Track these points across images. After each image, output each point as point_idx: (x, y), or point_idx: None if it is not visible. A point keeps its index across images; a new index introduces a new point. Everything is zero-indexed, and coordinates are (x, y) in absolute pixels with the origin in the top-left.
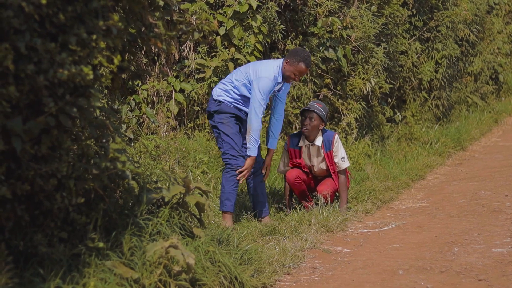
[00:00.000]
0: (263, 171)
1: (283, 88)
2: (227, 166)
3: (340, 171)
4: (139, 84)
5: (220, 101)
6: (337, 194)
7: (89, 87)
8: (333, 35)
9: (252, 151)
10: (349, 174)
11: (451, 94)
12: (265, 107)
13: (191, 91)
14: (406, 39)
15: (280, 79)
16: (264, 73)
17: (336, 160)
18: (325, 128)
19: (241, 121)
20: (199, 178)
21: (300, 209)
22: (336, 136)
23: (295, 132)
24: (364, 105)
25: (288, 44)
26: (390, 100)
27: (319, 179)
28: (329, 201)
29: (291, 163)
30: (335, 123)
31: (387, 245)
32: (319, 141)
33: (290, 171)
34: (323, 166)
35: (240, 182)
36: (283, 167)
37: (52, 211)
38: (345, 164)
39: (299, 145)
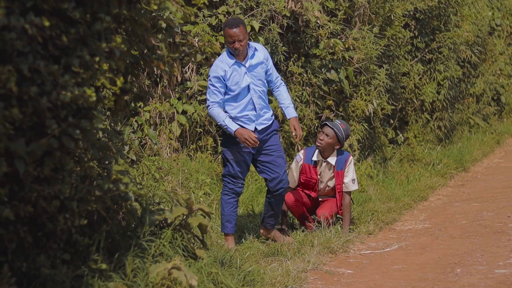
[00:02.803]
0: (293, 131)
1: (253, 62)
2: (225, 188)
3: (346, 192)
4: (142, 106)
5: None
6: (339, 215)
7: (92, 109)
8: (335, 57)
9: (229, 130)
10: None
11: (453, 115)
12: (218, 96)
13: (193, 113)
14: (408, 61)
15: (228, 60)
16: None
17: (346, 180)
18: (341, 149)
19: (254, 147)
20: (201, 199)
21: (302, 231)
22: (351, 157)
23: (308, 146)
24: (366, 127)
25: (290, 66)
26: (392, 122)
27: (319, 201)
28: (330, 223)
29: (303, 178)
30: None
31: (390, 266)
32: (333, 160)
33: (288, 194)
34: (330, 184)
35: (249, 148)
36: (291, 180)
37: (55, 232)
38: (354, 186)
39: (314, 158)
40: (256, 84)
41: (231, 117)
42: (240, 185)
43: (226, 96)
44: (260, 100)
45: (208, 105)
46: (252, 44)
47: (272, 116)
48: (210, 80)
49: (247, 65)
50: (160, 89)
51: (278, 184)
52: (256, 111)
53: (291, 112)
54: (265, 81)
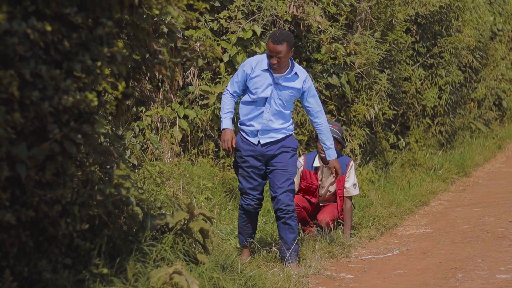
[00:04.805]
0: (333, 173)
1: (284, 84)
2: (240, 202)
3: (348, 197)
4: (143, 111)
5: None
6: (339, 221)
7: (94, 114)
8: (336, 62)
9: (221, 124)
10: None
11: (455, 120)
12: (233, 87)
13: (195, 118)
14: (410, 66)
15: (264, 63)
16: None
17: (347, 185)
18: (341, 152)
19: (259, 160)
20: (203, 204)
21: (304, 235)
22: (352, 162)
23: (309, 152)
24: (367, 131)
25: None
26: (393, 126)
27: (320, 206)
28: (332, 228)
29: (303, 183)
30: (340, 151)
31: (391, 271)
32: None
33: None
34: (331, 189)
35: (226, 150)
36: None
37: (57, 237)
38: (355, 191)
39: (315, 165)
40: (276, 102)
41: (231, 116)
42: (250, 201)
43: (245, 98)
44: (273, 117)
45: (224, 92)
46: (298, 68)
47: (285, 133)
48: (238, 68)
49: (277, 81)
50: (161, 93)
51: (276, 204)
52: (262, 126)
53: (330, 155)
54: (289, 105)
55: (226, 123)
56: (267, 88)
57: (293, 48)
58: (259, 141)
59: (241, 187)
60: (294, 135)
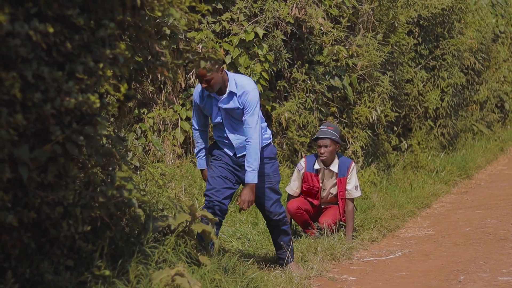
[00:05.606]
0: (239, 202)
1: (227, 106)
2: None
3: (349, 199)
4: (145, 112)
5: None
6: (341, 223)
7: (96, 115)
8: (339, 64)
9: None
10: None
11: (457, 122)
12: (194, 121)
13: None
14: (412, 68)
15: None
16: None
17: (349, 187)
18: (341, 154)
19: (234, 168)
20: None
21: (306, 237)
22: (353, 164)
23: (309, 154)
24: (370, 134)
25: (294, 73)
26: (396, 129)
27: (322, 208)
28: (334, 230)
29: (305, 186)
30: (341, 151)
31: (393, 273)
32: (335, 166)
33: (291, 201)
34: (333, 191)
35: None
36: (294, 189)
37: (59, 238)
38: (357, 193)
39: (316, 167)
40: (232, 123)
41: (206, 147)
42: (210, 203)
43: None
44: (239, 134)
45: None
46: (235, 85)
47: (261, 143)
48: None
49: (219, 104)
50: (163, 95)
51: (268, 215)
52: (236, 145)
53: (248, 177)
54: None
55: (199, 163)
56: (216, 114)
57: (222, 66)
58: (235, 153)
59: (207, 188)
60: (272, 143)
